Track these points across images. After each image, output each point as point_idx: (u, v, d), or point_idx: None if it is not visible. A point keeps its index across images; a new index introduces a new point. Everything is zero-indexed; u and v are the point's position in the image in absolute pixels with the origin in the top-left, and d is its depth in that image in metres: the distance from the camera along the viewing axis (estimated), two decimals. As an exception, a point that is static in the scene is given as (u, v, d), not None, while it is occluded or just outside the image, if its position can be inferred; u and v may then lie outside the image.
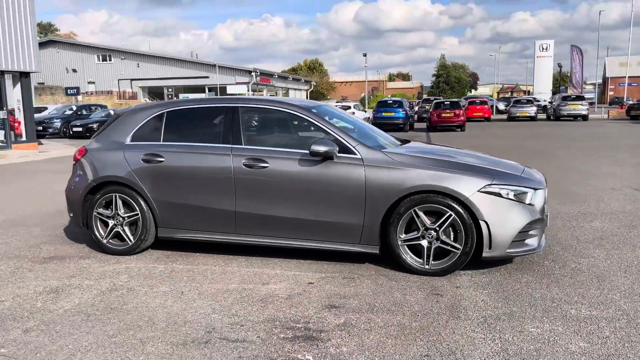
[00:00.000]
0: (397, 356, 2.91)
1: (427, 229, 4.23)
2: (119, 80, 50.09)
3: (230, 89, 49.26)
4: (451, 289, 3.94)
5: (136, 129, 5.02)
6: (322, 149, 4.30)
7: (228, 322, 3.39)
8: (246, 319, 3.45)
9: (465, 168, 4.32)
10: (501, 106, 46.30)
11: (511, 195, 4.19)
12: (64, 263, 4.74)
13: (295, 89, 62.30)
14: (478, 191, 4.14)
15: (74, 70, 50.48)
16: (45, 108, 27.43)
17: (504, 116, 37.38)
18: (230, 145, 4.67)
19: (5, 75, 16.27)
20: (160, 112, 5.02)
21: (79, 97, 40.93)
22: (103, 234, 4.98)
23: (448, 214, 4.17)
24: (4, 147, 16.11)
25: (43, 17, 77.32)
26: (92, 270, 4.54)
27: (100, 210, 4.97)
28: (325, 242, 4.48)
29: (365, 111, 28.75)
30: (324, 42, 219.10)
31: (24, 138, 17.01)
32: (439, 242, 4.22)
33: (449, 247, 4.20)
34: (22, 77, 16.76)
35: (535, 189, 4.34)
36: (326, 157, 4.39)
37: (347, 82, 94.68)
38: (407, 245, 4.30)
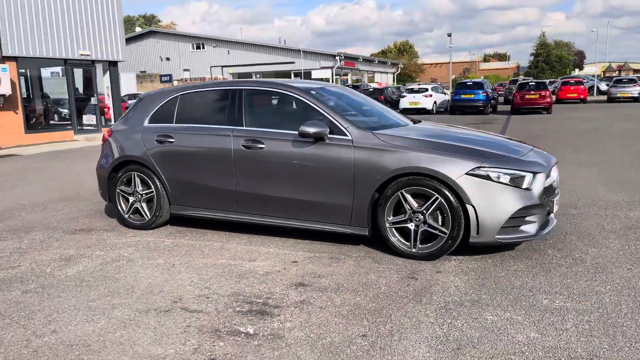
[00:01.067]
0: (335, 335, 2.95)
1: (414, 212, 4.15)
2: (210, 67, 52.33)
3: (314, 74, 49.78)
4: (430, 274, 3.86)
5: (154, 111, 5.34)
6: (311, 130, 4.34)
7: (197, 294, 3.59)
8: (215, 292, 3.62)
9: (456, 150, 4.17)
10: (603, 86, 42.81)
11: (503, 179, 3.99)
12: (89, 235, 5.20)
13: (381, 72, 61.61)
14: (466, 174, 3.99)
15: (167, 59, 53.47)
16: (139, 94, 29.40)
17: (605, 97, 34.55)
18: (231, 127, 4.84)
19: (96, 65, 17.68)
20: (175, 96, 5.30)
21: (175, 83, 43.45)
22: (125, 209, 5.39)
23: (435, 197, 4.06)
24: (95, 130, 17.57)
25: (148, 9, 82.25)
26: (109, 242, 4.94)
27: (122, 187, 5.37)
28: (318, 223, 4.54)
29: (445, 93, 27.88)
30: (417, 24, 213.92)
31: (112, 122, 18.43)
32: (426, 225, 4.13)
33: (436, 231, 4.11)
34: (111, 66, 18.13)
35: (534, 173, 4.10)
36: (317, 138, 4.43)
37: (436, 63, 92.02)
38: (396, 228, 4.25)
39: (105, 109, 18.43)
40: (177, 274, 4.02)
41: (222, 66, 52.59)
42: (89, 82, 17.68)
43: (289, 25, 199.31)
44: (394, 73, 66.65)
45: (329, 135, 4.42)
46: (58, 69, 17.26)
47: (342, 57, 50.37)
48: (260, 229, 5.06)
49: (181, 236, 5.06)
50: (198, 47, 53.58)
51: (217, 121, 4.98)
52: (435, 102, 26.35)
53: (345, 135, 4.40)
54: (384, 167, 4.19)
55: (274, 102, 5.03)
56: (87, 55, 17.09)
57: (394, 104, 27.28)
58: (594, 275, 3.73)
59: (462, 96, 24.45)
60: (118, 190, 5.40)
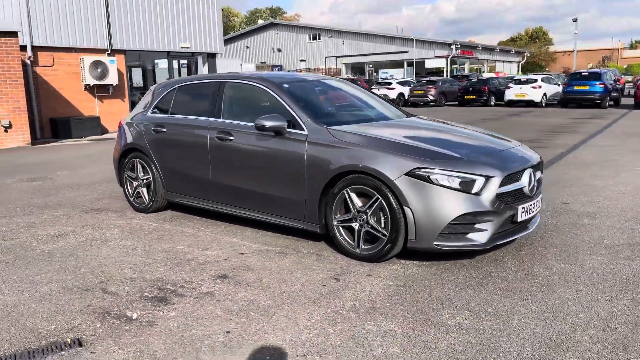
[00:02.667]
0: (202, 328, 2.99)
1: (358, 211, 4.02)
2: (325, 57, 53.27)
3: (428, 63, 48.56)
4: (358, 277, 3.72)
5: (157, 102, 5.69)
6: (266, 123, 4.36)
7: (127, 277, 3.82)
8: (143, 276, 3.83)
9: (401, 149, 3.94)
10: None
11: (446, 182, 3.71)
12: (98, 215, 5.71)
13: (503, 61, 58.18)
14: (405, 174, 3.77)
15: (279, 50, 55.29)
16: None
17: None
18: (210, 119, 5.01)
19: (196, 56, 18.94)
20: (174, 87, 5.60)
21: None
22: (130, 192, 5.83)
23: (375, 197, 3.89)
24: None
25: (276, 2, 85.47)
26: (106, 222, 5.39)
27: (129, 172, 5.81)
28: (278, 217, 4.56)
29: (559, 84, 25.64)
30: (557, 8, 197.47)
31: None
32: (368, 226, 3.98)
33: (378, 233, 3.94)
34: (209, 57, 19.29)
35: (487, 177, 3.75)
36: (277, 132, 4.44)
37: (569, 51, 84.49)
38: (343, 227, 4.14)
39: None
40: (131, 256, 4.29)
41: (336, 56, 53.29)
42: (191, 73, 18.99)
43: (417, 13, 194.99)
44: (518, 62, 62.60)
45: (288, 130, 4.40)
46: (174, 61, 18.69)
47: (459, 46, 48.42)
48: (243, 220, 5.17)
49: (169, 221, 5.36)
50: (314, 38, 54.74)
51: (201, 112, 5.18)
52: (544, 94, 24.40)
53: (302, 130, 4.36)
54: (331, 163, 4.10)
55: (249, 95, 5.07)
56: (187, 47, 18.35)
57: (498, 96, 25.75)
58: (530, 295, 3.34)
59: (575, 88, 22.37)
60: (125, 175, 5.85)
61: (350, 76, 49.87)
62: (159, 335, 2.90)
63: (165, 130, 5.37)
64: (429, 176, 3.72)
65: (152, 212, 5.68)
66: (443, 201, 3.70)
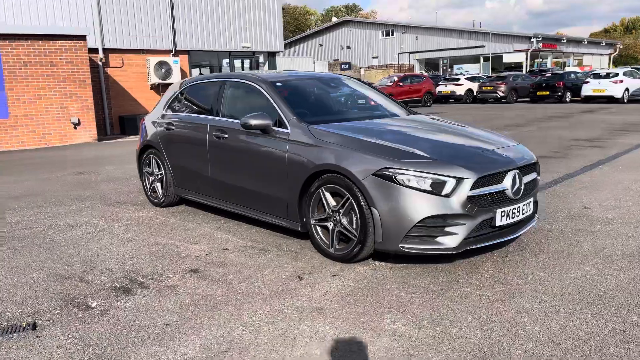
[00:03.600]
0: (146, 319, 3.11)
1: (333, 211, 4.00)
2: (398, 53, 52.60)
3: (506, 58, 46.56)
4: (323, 276, 3.71)
5: (171, 100, 5.93)
6: (252, 122, 4.42)
7: (109, 267, 4.05)
8: (123, 267, 4.04)
9: (374, 148, 3.87)
10: None
11: (413, 182, 3.60)
12: (117, 207, 6.06)
13: (592, 54, 54.57)
14: (372, 174, 3.70)
15: (348, 47, 55.17)
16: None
17: None
18: (209, 117, 5.17)
19: (257, 55, 19.41)
20: (186, 86, 5.81)
21: (361, 72, 44.87)
22: (148, 187, 6.13)
23: (346, 197, 3.86)
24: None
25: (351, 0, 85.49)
26: (121, 215, 5.71)
27: (146, 168, 6.11)
28: (264, 213, 4.63)
29: (645, 79, 23.67)
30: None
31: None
32: (341, 226, 3.95)
33: (349, 234, 3.90)
34: (270, 56, 19.70)
35: (458, 179, 3.60)
36: (263, 131, 4.50)
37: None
38: (320, 226, 4.13)
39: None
40: (124, 247, 4.53)
41: (409, 52, 52.46)
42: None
43: (502, 6, 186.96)
44: (610, 55, 58.45)
45: (274, 128, 4.45)
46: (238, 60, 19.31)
47: (540, 39, 46.02)
48: (243, 216, 5.25)
49: (176, 215, 5.59)
50: (387, 34, 54.21)
51: (204, 111, 5.35)
52: (627, 89, 22.65)
53: (287, 128, 4.39)
54: (309, 162, 4.10)
55: (244, 93, 5.14)
56: (248, 47, 18.84)
57: (575, 91, 24.23)
58: (487, 304, 3.18)
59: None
60: (144, 171, 6.16)
61: (423, 72, 48.94)
62: (104, 324, 3.06)
63: (174, 128, 5.59)
64: (395, 177, 3.63)
65: (165, 207, 5.93)
66: (409, 202, 3.59)
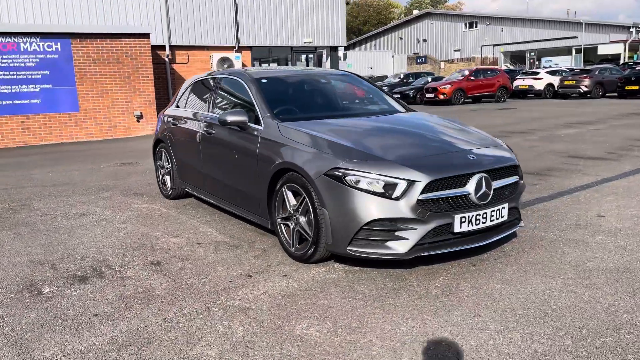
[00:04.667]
0: (82, 308, 3.24)
1: (293, 210, 3.94)
2: (482, 46, 50.61)
3: (601, 49, 43.31)
4: (272, 276, 3.67)
5: (180, 96, 6.11)
6: (228, 118, 4.45)
7: (85, 255, 4.25)
8: (97, 256, 4.22)
9: (329, 147, 3.76)
10: None
11: (363, 184, 3.46)
12: (131, 198, 6.35)
13: (703, 45, 49.32)
14: (324, 174, 3.60)
15: (424, 40, 53.70)
16: (386, 77, 30.81)
17: None
18: (203, 113, 5.27)
19: (319, 51, 19.48)
20: (191, 83, 5.96)
21: (441, 66, 43.70)
22: (159, 180, 6.37)
23: (303, 196, 3.78)
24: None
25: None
26: (130, 206, 5.98)
27: (159, 161, 6.35)
28: (242, 209, 4.65)
29: None
30: None
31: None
32: (299, 226, 3.88)
33: (305, 234, 3.83)
34: (332, 51, 19.70)
35: (410, 181, 3.41)
36: (240, 127, 4.52)
37: None
38: (284, 225, 4.09)
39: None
40: (111, 237, 4.74)
41: (494, 45, 50.31)
42: (319, 66, 19.61)
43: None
44: None
45: (249, 125, 4.45)
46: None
47: (640, 29, 42.35)
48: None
49: (178, 208, 5.76)
50: (470, 26, 52.34)
51: (201, 107, 5.46)
52: None
53: (260, 125, 4.37)
54: (274, 160, 4.07)
55: (234, 89, 5.15)
56: (310, 42, 18.95)
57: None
58: (417, 315, 2.99)
59: None
60: (157, 164, 6.40)
61: (509, 66, 46.69)
62: (41, 310, 3.22)
63: (177, 123, 5.75)
64: (344, 177, 3.50)
65: (173, 199, 6.13)
66: (357, 204, 3.45)
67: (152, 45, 15.75)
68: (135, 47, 14.16)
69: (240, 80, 4.90)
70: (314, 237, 3.70)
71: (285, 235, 4.06)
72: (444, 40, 54.17)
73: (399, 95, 25.20)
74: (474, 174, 3.57)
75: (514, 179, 3.90)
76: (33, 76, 13.21)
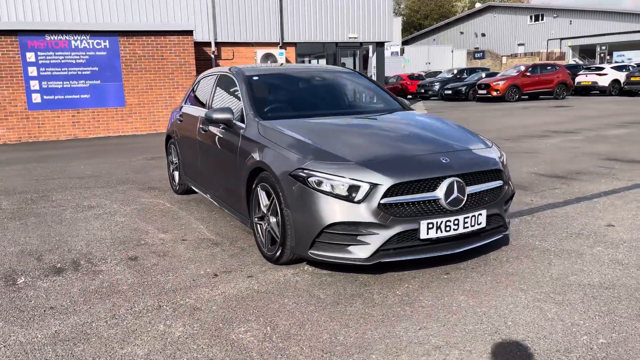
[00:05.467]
0: (40, 301, 3.33)
1: (266, 210, 3.89)
2: (547, 40, 48.42)
3: (679, 43, 40.29)
4: (237, 276, 3.63)
5: (189, 93, 6.19)
6: (214, 115, 4.45)
7: (73, 248, 4.38)
8: (83, 249, 4.34)
9: (297, 147, 3.68)
10: None
11: (325, 185, 3.35)
12: (143, 192, 6.51)
13: None
14: (289, 174, 3.53)
15: (483, 35, 51.79)
16: (439, 72, 30.06)
17: None
18: (201, 109, 5.30)
19: (365, 46, 19.26)
20: (198, 80, 6.01)
21: (503, 61, 42.19)
22: (170, 174, 6.49)
23: (272, 196, 3.72)
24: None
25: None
26: (138, 200, 6.12)
27: (169, 157, 6.47)
28: (229, 207, 4.65)
29: None
30: None
31: (375, 99, 19.84)
32: (270, 226, 3.83)
33: (274, 235, 3.77)
34: (378, 46, 19.42)
35: (373, 184, 3.28)
36: (227, 125, 4.51)
37: None
38: (259, 224, 4.04)
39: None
40: (104, 231, 4.86)
41: (561, 38, 48.00)
42: (365, 62, 19.43)
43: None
44: None
45: (235, 123, 4.44)
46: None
47: None
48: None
49: (181, 203, 5.84)
50: (536, 19, 50.12)
51: (202, 104, 5.49)
52: None
53: (244, 123, 4.34)
54: (250, 158, 4.03)
55: (230, 86, 5.12)
56: (355, 37, 18.76)
57: None
58: (362, 324, 2.87)
59: None
60: (168, 160, 6.53)
61: (577, 60, 44.44)
62: (4, 300, 3.34)
63: (183, 120, 5.83)
64: (307, 178, 3.41)
65: (181, 194, 6.22)
66: (318, 206, 3.35)
67: (198, 42, 16.12)
68: (178, 44, 14.53)
69: (233, 78, 4.89)
70: (281, 239, 3.63)
71: (260, 235, 4.01)
72: (508, 34, 52.19)
73: (450, 92, 24.54)
74: (444, 177, 3.38)
75: (495, 183, 3.66)
76: (83, 72, 13.84)
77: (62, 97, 13.80)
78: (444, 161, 3.48)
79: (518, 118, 15.03)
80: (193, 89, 6.04)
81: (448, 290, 3.26)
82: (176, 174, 6.21)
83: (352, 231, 3.31)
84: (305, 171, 3.43)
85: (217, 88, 5.24)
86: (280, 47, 17.67)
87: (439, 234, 3.36)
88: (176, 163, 6.14)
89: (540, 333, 2.69)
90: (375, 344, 2.64)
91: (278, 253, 3.68)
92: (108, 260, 4.05)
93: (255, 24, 17.24)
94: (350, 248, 3.34)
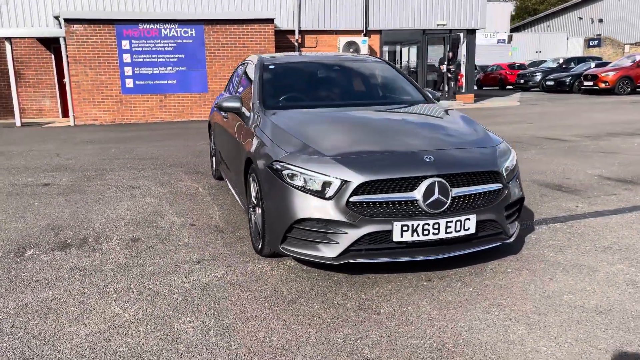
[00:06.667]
0: (32, 274, 3.56)
1: (255, 200, 3.86)
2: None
3: None
4: (218, 265, 3.64)
5: (228, 81, 6.29)
6: (223, 104, 4.48)
7: (90, 225, 4.64)
8: (97, 227, 4.58)
9: (281, 139, 3.59)
10: None
11: (298, 180, 3.24)
12: (187, 176, 6.74)
13: None
14: (267, 166, 3.46)
15: (600, 21, 47.02)
16: (544, 61, 28.05)
17: None
18: (227, 96, 5.35)
19: (454, 33, 18.43)
20: (237, 67, 6.08)
21: (627, 50, 38.55)
22: (211, 160, 6.67)
23: (258, 188, 3.68)
24: (446, 97, 18.61)
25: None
26: (178, 184, 6.35)
27: (210, 143, 6.64)
28: (238, 195, 4.67)
29: None
30: None
31: (463, 89, 18.98)
32: (256, 217, 3.79)
33: (258, 226, 3.72)
34: (469, 34, 18.49)
35: (344, 181, 3.11)
36: (237, 114, 4.53)
37: None
38: (251, 214, 4.02)
39: (459, 77, 19.03)
40: (129, 211, 5.10)
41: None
42: (455, 50, 18.64)
43: None
44: None
45: (243, 112, 4.44)
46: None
47: None
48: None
49: (213, 188, 5.97)
50: (668, 3, 44.85)
51: (231, 91, 5.56)
52: None
53: (250, 112, 4.33)
54: (246, 149, 4.01)
55: (247, 74, 5.09)
56: (444, 25, 18.00)
57: None
58: (301, 325, 2.74)
59: None
60: (210, 146, 6.70)
61: None
62: (3, 271, 3.61)
63: (216, 108, 5.94)
64: (281, 171, 3.32)
65: (218, 179, 6.37)
66: (289, 201, 3.25)
67: (282, 30, 16.37)
68: (259, 32, 14.84)
69: (252, 65, 4.88)
70: (262, 231, 3.58)
71: (251, 226, 3.99)
72: (635, 20, 47.34)
73: (552, 83, 22.83)
74: (425, 177, 3.12)
75: (491, 187, 3.31)
76: (170, 59, 14.63)
77: (152, 82, 14.68)
78: (427, 159, 3.21)
79: (617, 114, 13.61)
80: (231, 76, 6.12)
81: (417, 299, 3.02)
82: (214, 160, 6.36)
83: (322, 228, 3.17)
84: (280, 164, 3.34)
85: (243, 76, 5.26)
86: (364, 35, 17.43)
87: (416, 238, 3.11)
88: (214, 149, 6.28)
89: (487, 356, 2.40)
90: (303, 349, 2.51)
91: (260, 245, 3.63)
92: (113, 239, 4.24)
93: (339, 11, 17.13)
94: (319, 246, 3.20)
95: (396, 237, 3.09)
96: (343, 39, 17.01)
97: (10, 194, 5.92)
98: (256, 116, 4.13)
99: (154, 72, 14.62)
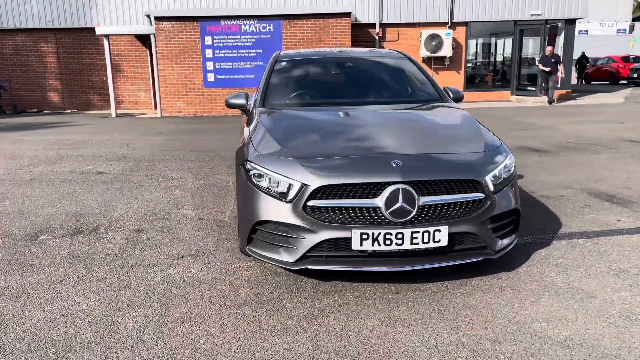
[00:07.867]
0: (29, 258, 3.82)
1: (242, 198, 3.84)
2: None
3: None
4: (195, 262, 3.67)
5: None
6: (231, 100, 4.50)
7: (110, 213, 4.88)
8: (114, 215, 4.80)
9: (261, 138, 3.54)
10: None
11: (263, 181, 3.17)
12: (226, 170, 6.89)
13: None
14: (240, 166, 3.42)
15: None
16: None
17: None
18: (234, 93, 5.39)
19: (550, 24, 17.11)
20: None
21: None
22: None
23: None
24: (534, 92, 17.37)
25: None
26: (213, 177, 6.50)
27: (249, 137, 6.72)
28: (245, 192, 4.68)
29: None
30: None
31: (558, 84, 17.56)
32: (241, 215, 3.77)
33: (241, 225, 3.70)
34: (567, 24, 17.08)
35: (303, 184, 3.00)
36: (243, 110, 4.54)
37: None
38: (243, 213, 4.01)
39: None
40: (153, 202, 5.31)
41: None
42: (552, 42, 17.33)
43: None
44: None
45: (248, 109, 4.43)
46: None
47: None
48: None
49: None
50: None
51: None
52: None
53: (254, 109, 4.31)
54: (241, 146, 3.99)
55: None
56: (539, 14, 16.78)
57: None
58: (240, 330, 2.68)
59: None
60: (249, 140, 6.79)
61: None
62: (11, 251, 3.90)
63: (249, 101, 6.00)
64: (250, 171, 3.26)
65: (252, 174, 6.43)
66: (253, 201, 3.19)
67: (363, 24, 16.19)
68: (336, 26, 14.77)
69: (271, 59, 4.87)
70: (239, 230, 3.54)
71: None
72: None
73: (636, 75, 20.58)
74: (389, 184, 2.90)
75: (471, 196, 3.00)
76: (249, 54, 15.03)
77: (231, 76, 15.20)
78: (393, 165, 2.97)
79: None
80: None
81: (370, 312, 2.83)
82: (249, 152, 6.42)
83: (283, 232, 3.07)
84: (250, 164, 3.28)
85: (266, 72, 5.24)
86: (449, 27, 16.73)
87: (377, 247, 2.91)
88: (247, 142, 6.35)
89: (402, 385, 2.18)
90: (221, 355, 2.44)
91: (240, 244, 3.60)
92: (119, 229, 4.42)
93: (423, 2, 16.58)
94: (280, 250, 3.10)
95: (355, 246, 2.91)
96: (425, 32, 16.45)
97: (64, 181, 6.40)
98: (252, 113, 4.10)
99: (234, 66, 15.11)
